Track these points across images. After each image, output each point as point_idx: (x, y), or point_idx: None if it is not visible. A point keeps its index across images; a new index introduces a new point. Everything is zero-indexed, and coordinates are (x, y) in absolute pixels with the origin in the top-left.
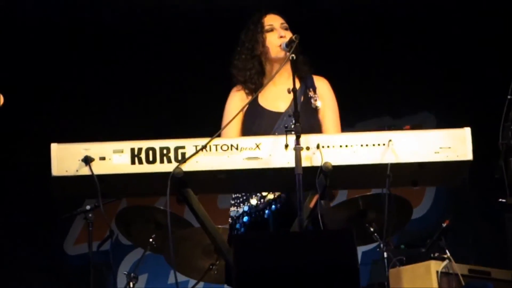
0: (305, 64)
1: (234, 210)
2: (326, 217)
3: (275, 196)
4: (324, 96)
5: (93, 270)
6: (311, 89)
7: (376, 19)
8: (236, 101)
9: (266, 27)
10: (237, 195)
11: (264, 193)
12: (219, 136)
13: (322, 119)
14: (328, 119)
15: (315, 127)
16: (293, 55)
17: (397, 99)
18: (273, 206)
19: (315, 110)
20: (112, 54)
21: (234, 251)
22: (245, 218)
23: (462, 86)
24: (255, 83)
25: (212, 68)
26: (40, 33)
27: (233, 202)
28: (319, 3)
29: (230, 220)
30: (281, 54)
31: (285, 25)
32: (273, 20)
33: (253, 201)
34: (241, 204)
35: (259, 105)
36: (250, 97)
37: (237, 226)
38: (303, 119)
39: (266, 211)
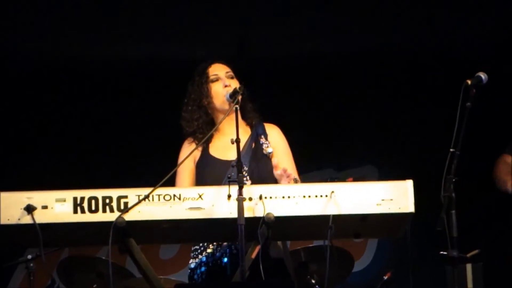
0: (254, 111)
1: (192, 262)
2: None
3: (230, 243)
4: (277, 142)
5: None
6: (262, 136)
7: (321, 72)
8: (187, 153)
9: (211, 77)
10: (196, 247)
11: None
12: (162, 185)
13: (278, 165)
14: (285, 164)
15: (267, 175)
16: (236, 105)
17: (340, 152)
18: (229, 253)
19: (267, 156)
20: (55, 101)
21: None
22: (203, 268)
23: (405, 140)
24: (203, 133)
25: (158, 118)
26: None
27: (192, 254)
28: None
29: (188, 270)
30: (226, 104)
31: (231, 73)
32: (218, 70)
33: (209, 250)
34: (199, 255)
35: (209, 154)
36: (201, 148)
37: (195, 277)
38: (255, 166)
39: (224, 259)
